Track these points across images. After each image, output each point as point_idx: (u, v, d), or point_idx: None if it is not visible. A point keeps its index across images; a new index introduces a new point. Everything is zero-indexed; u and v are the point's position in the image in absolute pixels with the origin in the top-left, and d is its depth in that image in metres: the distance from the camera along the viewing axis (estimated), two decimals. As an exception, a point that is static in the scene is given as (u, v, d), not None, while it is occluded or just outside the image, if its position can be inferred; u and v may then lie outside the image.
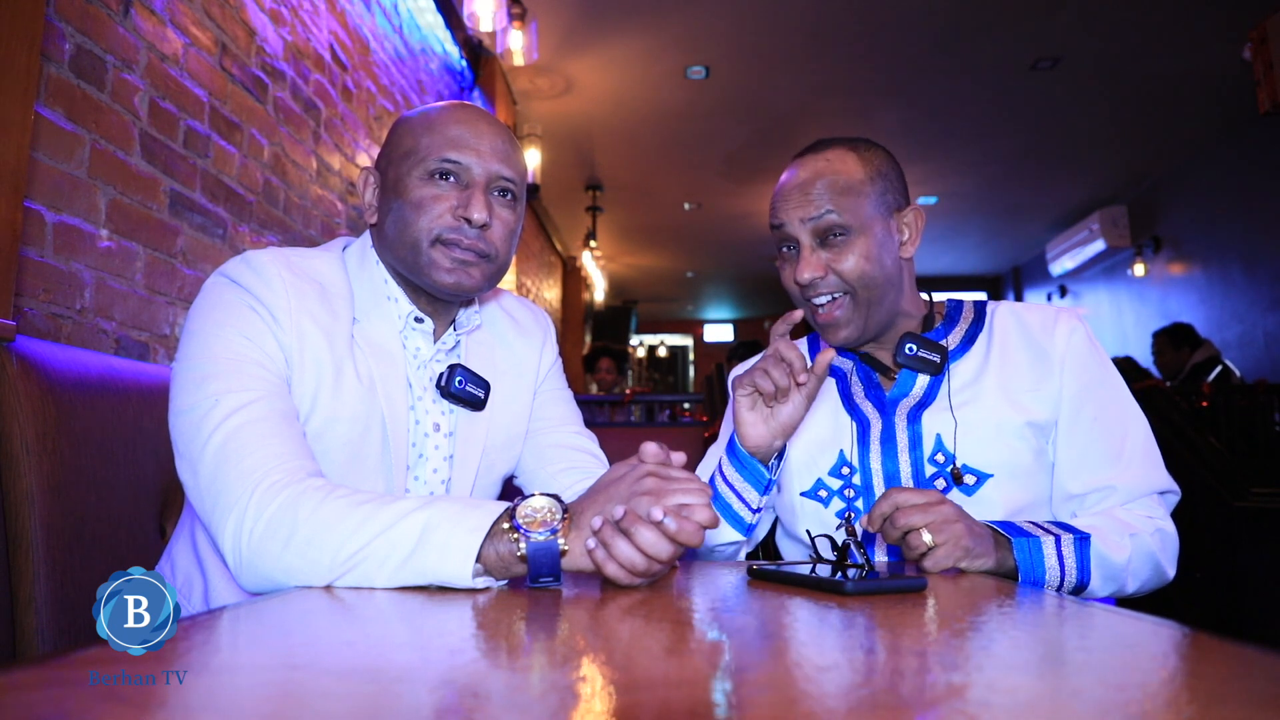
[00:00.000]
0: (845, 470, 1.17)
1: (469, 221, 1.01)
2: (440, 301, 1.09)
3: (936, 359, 1.15)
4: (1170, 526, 1.08)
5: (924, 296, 1.25)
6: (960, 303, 1.25)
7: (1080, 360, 1.13)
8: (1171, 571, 1.07)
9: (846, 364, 1.25)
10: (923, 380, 1.17)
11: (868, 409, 1.19)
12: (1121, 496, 1.09)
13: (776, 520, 1.31)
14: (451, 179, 1.02)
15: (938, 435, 1.13)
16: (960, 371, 1.17)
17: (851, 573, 0.79)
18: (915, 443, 1.14)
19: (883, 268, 1.13)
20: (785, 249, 1.17)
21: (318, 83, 2.67)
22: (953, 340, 1.20)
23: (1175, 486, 1.12)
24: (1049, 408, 1.12)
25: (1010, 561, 0.97)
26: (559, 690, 0.45)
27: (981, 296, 1.34)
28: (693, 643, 0.56)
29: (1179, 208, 6.79)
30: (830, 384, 1.25)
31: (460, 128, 1.03)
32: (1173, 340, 4.89)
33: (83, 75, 1.57)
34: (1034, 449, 1.11)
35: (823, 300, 1.14)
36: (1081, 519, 1.06)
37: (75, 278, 1.55)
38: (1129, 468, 1.09)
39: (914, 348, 1.15)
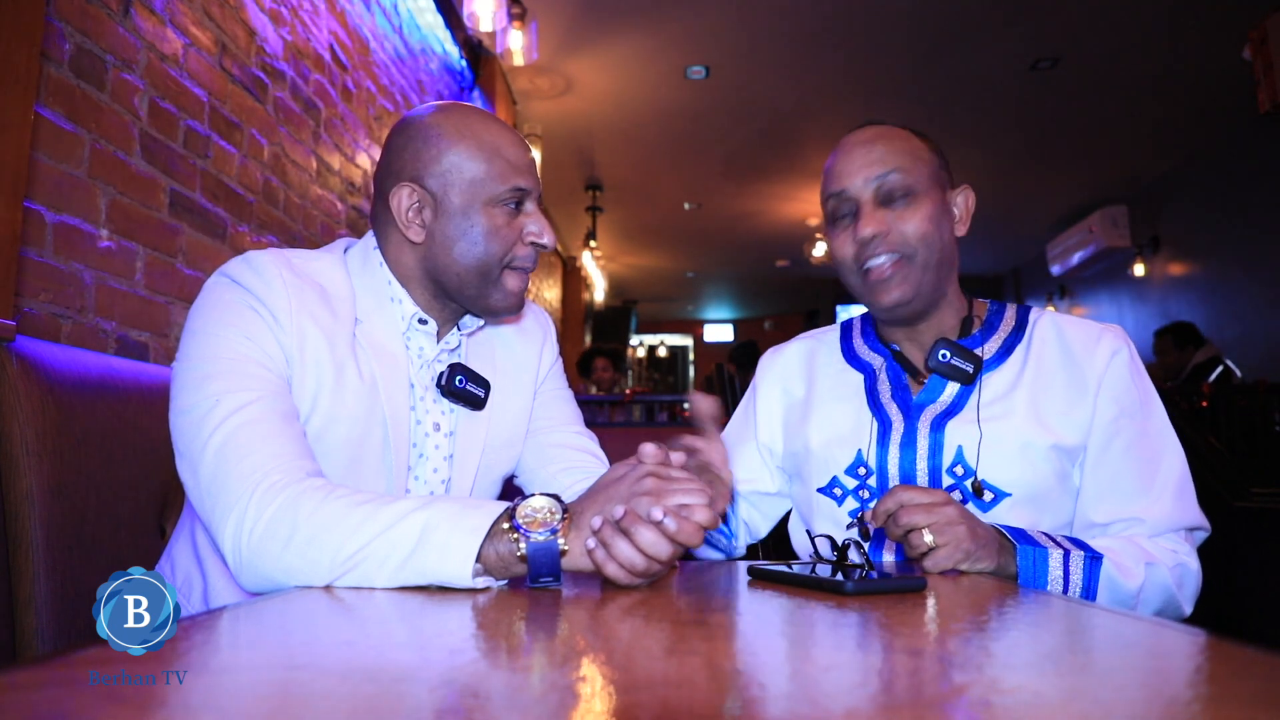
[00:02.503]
0: (862, 470, 1.15)
1: (541, 246, 1.07)
2: (455, 306, 1.10)
3: (969, 369, 1.11)
4: (1195, 564, 1.04)
5: (965, 295, 1.21)
6: (1003, 307, 1.21)
7: (1119, 385, 1.09)
8: (1188, 609, 1.03)
9: (877, 360, 1.22)
10: (952, 388, 1.13)
11: (892, 410, 1.16)
12: (1148, 530, 1.05)
13: (788, 512, 1.31)
14: (515, 205, 1.06)
15: (959, 447, 1.10)
16: (992, 383, 1.13)
17: (852, 573, 0.79)
18: (935, 451, 1.11)
19: (941, 235, 1.11)
20: (840, 217, 1.14)
21: (318, 83, 2.67)
22: (989, 349, 1.16)
23: (1205, 523, 1.08)
24: (1079, 432, 1.08)
25: (1012, 568, 0.96)
26: (559, 690, 0.45)
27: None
28: (693, 643, 0.56)
29: (1179, 208, 6.79)
30: (857, 380, 1.22)
31: (517, 150, 1.06)
32: (1177, 340, 4.88)
33: (83, 75, 1.57)
34: (1058, 472, 1.08)
35: (879, 261, 1.10)
36: (1100, 540, 1.03)
37: (75, 278, 1.55)
38: (1158, 501, 1.05)
39: (947, 354, 1.11)
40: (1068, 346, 1.13)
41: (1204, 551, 1.11)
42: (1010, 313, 1.20)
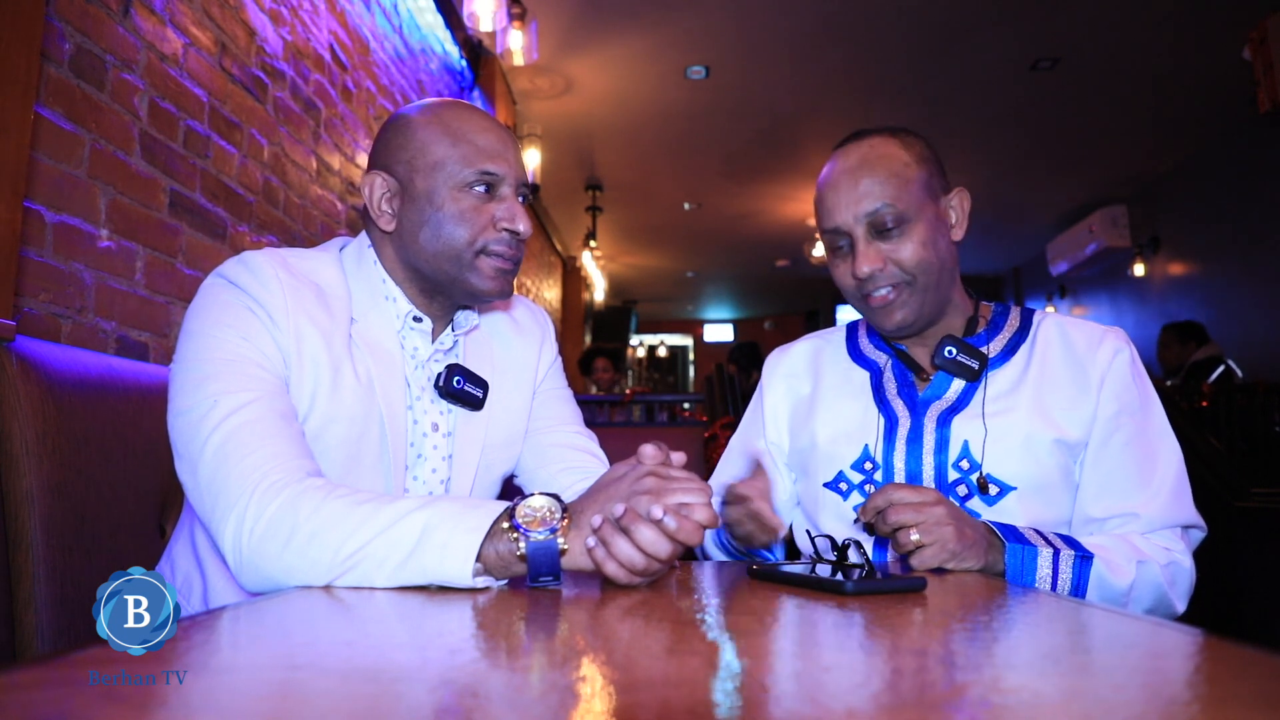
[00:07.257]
0: (868, 465, 1.16)
1: (514, 233, 1.03)
2: (444, 301, 1.10)
3: (975, 365, 1.13)
4: (1188, 562, 1.06)
5: (971, 295, 1.23)
6: (1007, 308, 1.23)
7: (1121, 383, 1.11)
8: (1181, 606, 1.05)
9: (882, 358, 1.24)
10: (958, 385, 1.15)
11: (898, 406, 1.17)
12: (1143, 525, 1.06)
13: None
14: (485, 188, 1.03)
15: (965, 442, 1.11)
16: (997, 380, 1.14)
17: (852, 573, 0.79)
18: (941, 446, 1.12)
19: (938, 253, 1.11)
20: (839, 246, 1.15)
21: (318, 83, 2.67)
22: (994, 348, 1.17)
23: (1201, 522, 1.09)
24: (1082, 427, 1.10)
25: (1000, 566, 0.97)
26: (559, 690, 0.45)
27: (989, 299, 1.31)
28: (693, 643, 0.56)
29: (1179, 208, 6.79)
30: (863, 377, 1.24)
31: (488, 136, 1.04)
32: (1180, 334, 4.89)
33: (83, 75, 1.57)
34: (1061, 467, 1.09)
35: (881, 291, 1.12)
36: (1094, 538, 1.04)
37: (75, 278, 1.55)
38: (1155, 498, 1.07)
39: (954, 351, 1.13)
40: (1071, 345, 1.15)
41: (1203, 551, 1.12)
42: (1015, 314, 1.22)
